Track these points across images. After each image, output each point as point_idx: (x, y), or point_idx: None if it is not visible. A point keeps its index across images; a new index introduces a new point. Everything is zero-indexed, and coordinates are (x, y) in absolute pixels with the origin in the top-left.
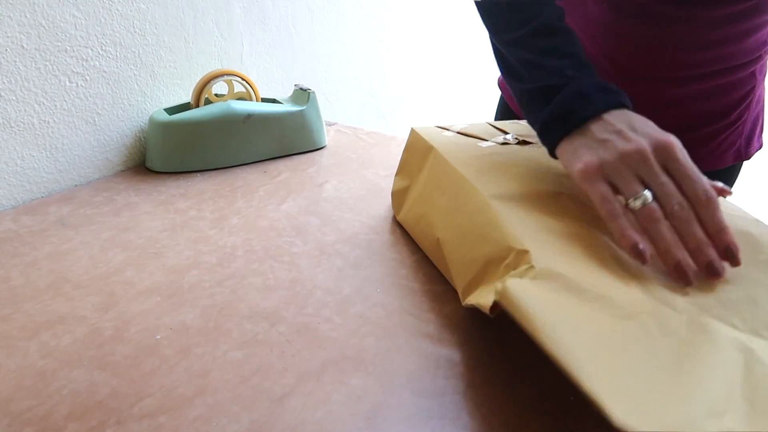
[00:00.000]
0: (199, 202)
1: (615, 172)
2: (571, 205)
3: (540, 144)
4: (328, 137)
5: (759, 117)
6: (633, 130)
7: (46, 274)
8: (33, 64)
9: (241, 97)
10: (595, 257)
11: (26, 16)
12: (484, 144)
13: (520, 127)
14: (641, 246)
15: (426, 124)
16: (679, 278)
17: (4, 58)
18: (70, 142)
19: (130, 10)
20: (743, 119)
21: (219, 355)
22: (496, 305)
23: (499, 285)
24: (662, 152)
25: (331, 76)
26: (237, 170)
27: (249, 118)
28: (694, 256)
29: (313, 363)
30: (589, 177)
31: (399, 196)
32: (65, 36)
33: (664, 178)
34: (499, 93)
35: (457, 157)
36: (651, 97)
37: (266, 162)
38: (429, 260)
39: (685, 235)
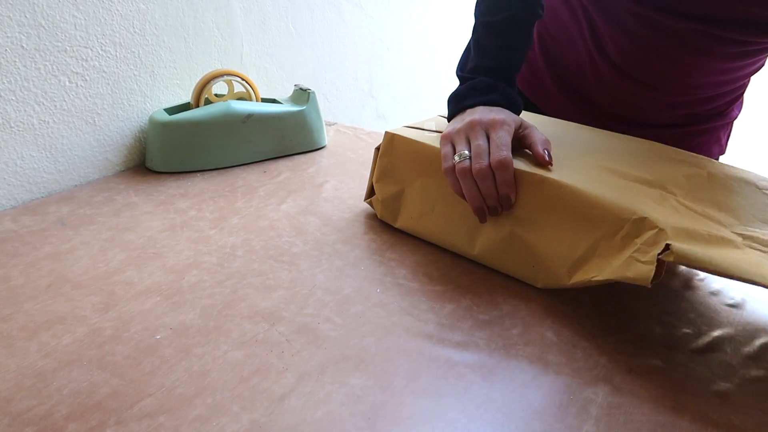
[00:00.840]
0: (199, 202)
1: (456, 137)
2: (610, 173)
3: None
4: (328, 137)
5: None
6: (482, 112)
7: (46, 274)
8: (33, 64)
9: (241, 97)
10: (679, 209)
11: (26, 16)
12: None
13: None
14: (461, 194)
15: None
16: (477, 216)
17: (4, 58)
18: (69, 142)
19: (130, 11)
20: (730, 121)
21: (219, 355)
22: (659, 270)
23: (651, 253)
24: (489, 126)
25: (331, 76)
26: (237, 170)
27: (249, 118)
28: (486, 201)
29: (313, 363)
30: (442, 140)
31: (390, 203)
32: (65, 36)
33: (481, 141)
34: None
35: None
36: (654, 101)
37: (266, 162)
38: (429, 260)
39: (480, 186)
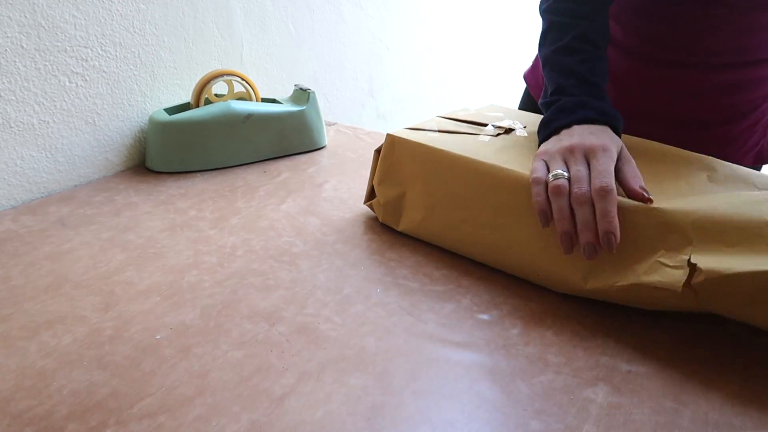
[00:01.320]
0: (199, 202)
1: (551, 158)
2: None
3: (523, 130)
4: (328, 137)
5: None
6: (581, 134)
7: (46, 274)
8: (33, 65)
9: (241, 97)
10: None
11: (26, 17)
12: (483, 138)
13: (479, 115)
14: (547, 212)
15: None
16: (563, 245)
17: (4, 58)
18: (69, 143)
19: (130, 11)
20: (762, 122)
21: (219, 355)
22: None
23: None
24: (589, 151)
25: (331, 76)
26: (237, 170)
27: (249, 118)
28: (579, 233)
29: (313, 363)
30: (535, 158)
31: (392, 206)
32: (65, 36)
33: (581, 167)
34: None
35: (487, 156)
36: (673, 83)
37: (266, 162)
38: (429, 260)
39: (577, 213)
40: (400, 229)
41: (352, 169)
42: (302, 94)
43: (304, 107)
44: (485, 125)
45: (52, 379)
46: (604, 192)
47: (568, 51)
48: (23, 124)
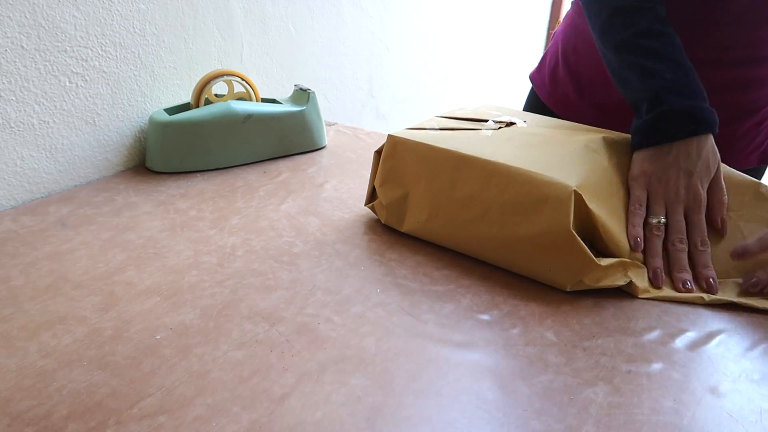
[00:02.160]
0: (199, 202)
1: (654, 191)
2: (619, 177)
3: (526, 123)
4: (328, 137)
5: None
6: (690, 169)
7: (46, 274)
8: (33, 65)
9: (241, 97)
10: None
11: (26, 17)
12: (485, 132)
13: (477, 112)
14: (640, 240)
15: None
16: (653, 279)
17: (4, 58)
18: (69, 143)
19: (130, 11)
20: (767, 121)
21: (219, 355)
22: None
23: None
24: (691, 201)
25: (331, 76)
26: (237, 170)
27: (249, 118)
28: (674, 271)
29: (313, 363)
30: (637, 183)
31: (395, 207)
32: (65, 36)
33: (680, 218)
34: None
35: (495, 154)
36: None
37: (266, 162)
38: (429, 260)
39: (674, 256)
40: (404, 230)
41: (352, 169)
42: (302, 94)
43: (304, 107)
44: (485, 121)
45: (52, 379)
46: (705, 246)
47: (652, 34)
48: (23, 124)
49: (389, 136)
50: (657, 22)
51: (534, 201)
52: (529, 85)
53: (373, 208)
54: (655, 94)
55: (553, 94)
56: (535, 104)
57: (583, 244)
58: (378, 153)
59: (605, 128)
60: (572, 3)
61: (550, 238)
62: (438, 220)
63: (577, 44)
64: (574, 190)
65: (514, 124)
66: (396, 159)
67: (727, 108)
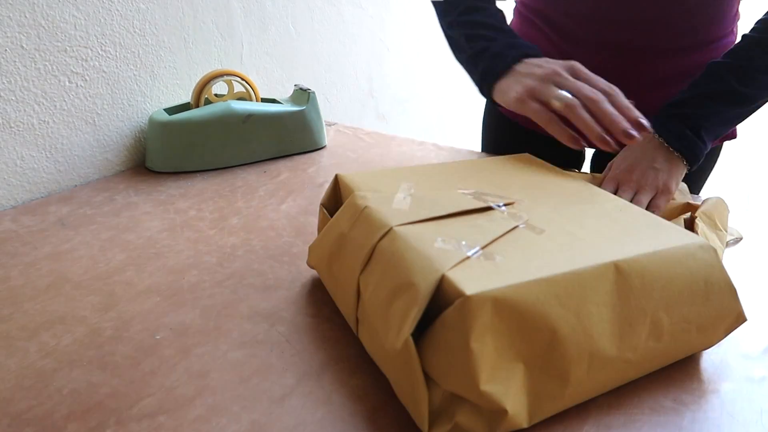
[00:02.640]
0: (199, 202)
1: (539, 90)
2: None
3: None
4: (328, 137)
5: None
6: (543, 64)
7: (46, 274)
8: (33, 65)
9: (241, 97)
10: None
11: (26, 17)
12: (527, 231)
13: (452, 196)
14: (575, 135)
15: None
16: (604, 146)
17: (3, 58)
18: (69, 143)
19: (130, 11)
20: None
21: (219, 355)
22: None
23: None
24: (571, 70)
25: (331, 76)
26: (237, 170)
27: (249, 118)
28: (611, 128)
29: (313, 363)
30: (522, 101)
31: (544, 395)
32: (65, 36)
33: (576, 82)
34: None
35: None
36: (637, 74)
37: (266, 162)
38: None
39: (600, 113)
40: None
41: (352, 169)
42: (302, 94)
43: (304, 107)
44: (486, 209)
45: (52, 379)
46: (613, 91)
47: (471, 10)
48: (23, 124)
49: (472, 297)
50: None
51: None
52: None
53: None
54: (483, 50)
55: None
56: (492, 112)
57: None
58: (323, 206)
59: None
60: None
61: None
62: (593, 370)
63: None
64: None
65: (513, 203)
66: (508, 326)
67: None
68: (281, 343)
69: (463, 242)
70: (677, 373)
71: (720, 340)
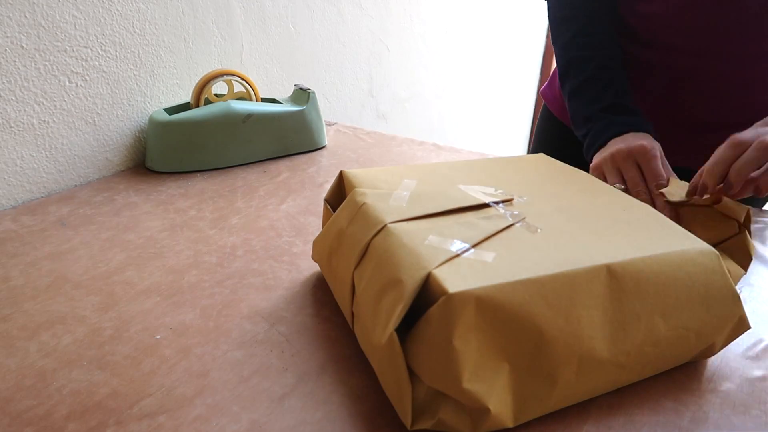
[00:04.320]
0: (199, 202)
1: (605, 168)
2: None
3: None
4: (328, 137)
5: None
6: (622, 141)
7: (46, 274)
8: (33, 64)
9: (241, 97)
10: None
11: (26, 16)
12: (520, 229)
13: (448, 194)
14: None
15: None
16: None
17: (3, 58)
18: (69, 142)
19: (130, 10)
20: None
21: (219, 355)
22: None
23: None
24: (637, 154)
25: (331, 76)
26: (237, 170)
27: (249, 118)
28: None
29: (313, 363)
30: (593, 171)
31: (531, 396)
32: (65, 36)
33: (634, 172)
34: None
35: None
36: (715, 79)
37: (266, 162)
38: None
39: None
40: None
41: (351, 169)
42: (302, 94)
43: (304, 107)
44: (484, 206)
45: (52, 379)
46: (659, 188)
47: (591, 82)
48: (23, 123)
49: (455, 295)
50: (597, 69)
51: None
52: (529, 95)
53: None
54: (588, 131)
55: (565, 109)
56: (548, 118)
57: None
58: (327, 201)
59: None
60: None
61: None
62: (586, 372)
63: None
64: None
65: (511, 200)
66: (492, 326)
67: (753, 110)
68: (281, 343)
69: (455, 240)
70: (677, 373)
71: (722, 348)
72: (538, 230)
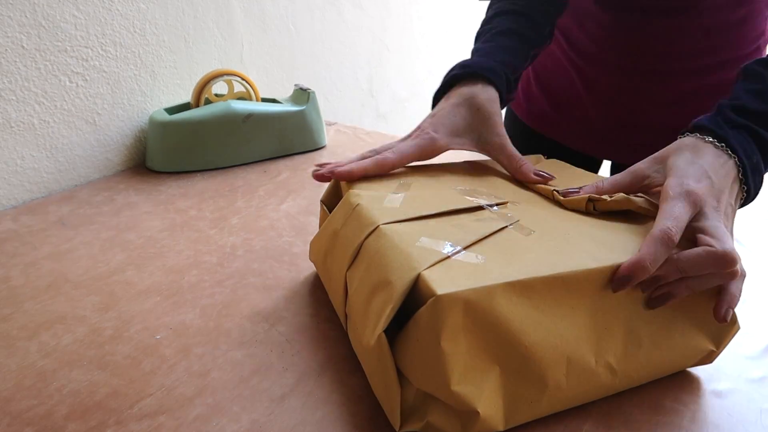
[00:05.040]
0: (199, 202)
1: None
2: None
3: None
4: (328, 137)
5: None
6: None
7: (46, 274)
8: (33, 64)
9: (241, 97)
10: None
11: (26, 16)
12: (515, 232)
13: (444, 195)
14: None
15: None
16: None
17: (4, 58)
18: (70, 142)
19: (130, 10)
20: None
21: (219, 355)
22: None
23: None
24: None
25: (331, 76)
26: (237, 170)
27: (249, 117)
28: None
29: (313, 363)
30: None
31: (520, 400)
32: (65, 36)
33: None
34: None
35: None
36: (655, 93)
37: (266, 162)
38: None
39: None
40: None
41: None
42: (302, 94)
43: (304, 107)
44: (478, 209)
45: (52, 379)
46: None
47: (489, 34)
48: (23, 123)
49: (443, 296)
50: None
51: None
52: None
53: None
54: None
55: (529, 111)
56: (511, 118)
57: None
58: (324, 203)
59: (586, 140)
60: None
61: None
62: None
63: (547, 63)
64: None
65: (506, 203)
66: (481, 328)
67: (699, 113)
68: (281, 343)
69: (446, 242)
70: (677, 373)
71: (718, 351)
72: (532, 233)
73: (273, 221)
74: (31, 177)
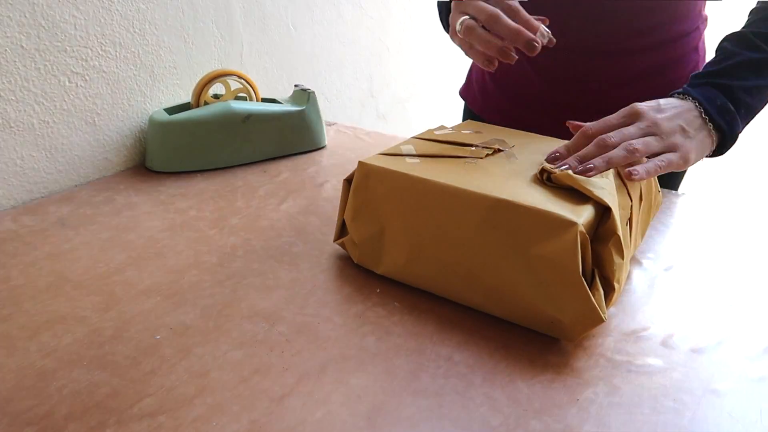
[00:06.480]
0: (199, 202)
1: (456, 16)
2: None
3: (514, 147)
4: (328, 137)
5: None
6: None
7: (46, 274)
8: (33, 64)
9: (241, 97)
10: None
11: (26, 16)
12: (471, 160)
13: (460, 134)
14: (489, 56)
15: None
16: (505, 58)
17: (4, 58)
18: (69, 143)
19: (130, 11)
20: None
21: (219, 355)
22: None
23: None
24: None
25: (331, 76)
26: (237, 170)
27: (249, 118)
28: (514, 42)
29: (313, 363)
30: (452, 35)
31: (369, 246)
32: (65, 36)
33: (478, 3)
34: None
35: (487, 186)
36: (609, 73)
37: (266, 162)
38: None
39: (498, 29)
40: (380, 272)
41: (351, 169)
42: (302, 94)
43: (304, 107)
44: (470, 146)
45: (52, 379)
46: (512, 10)
47: None
48: (23, 124)
49: (360, 163)
50: None
51: (535, 240)
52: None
53: (343, 245)
54: None
55: (485, 107)
56: (470, 117)
57: (592, 297)
58: (347, 181)
59: (547, 129)
60: None
61: (557, 288)
62: (420, 262)
63: None
64: (580, 230)
65: (502, 151)
66: (369, 190)
67: (652, 91)
68: (281, 343)
69: (413, 150)
70: (677, 373)
71: (577, 336)
72: (516, 159)
73: (273, 221)
74: (30, 177)
